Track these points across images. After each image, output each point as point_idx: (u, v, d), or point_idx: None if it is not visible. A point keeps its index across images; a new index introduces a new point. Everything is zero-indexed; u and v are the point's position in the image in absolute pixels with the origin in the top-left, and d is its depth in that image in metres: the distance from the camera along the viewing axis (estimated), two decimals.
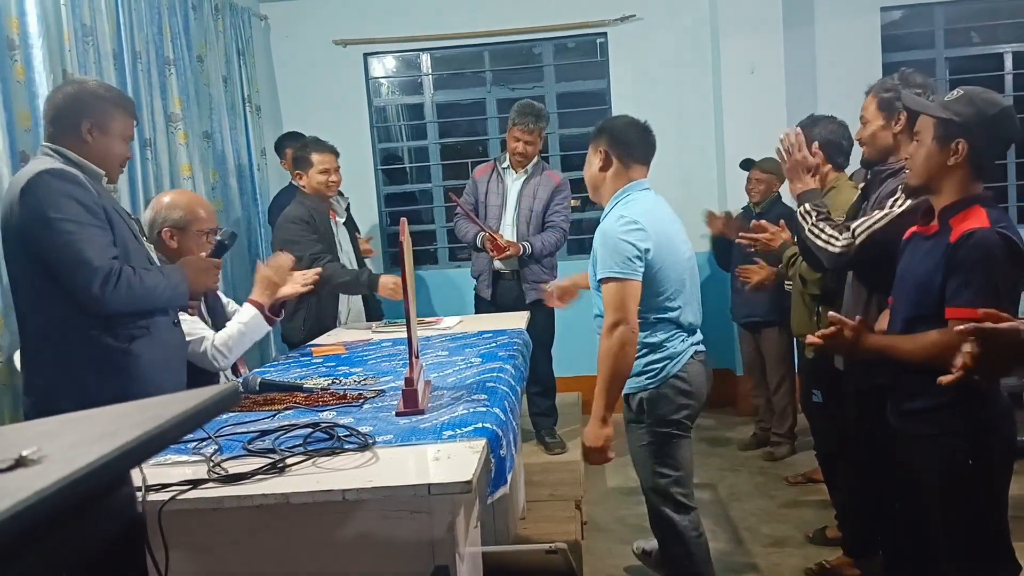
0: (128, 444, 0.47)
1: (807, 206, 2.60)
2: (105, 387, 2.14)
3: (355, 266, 3.90)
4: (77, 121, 2.21)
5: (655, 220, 2.55)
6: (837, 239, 2.48)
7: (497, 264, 4.19)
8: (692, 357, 2.59)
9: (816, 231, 2.54)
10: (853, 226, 2.47)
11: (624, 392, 2.55)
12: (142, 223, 2.75)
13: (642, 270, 2.45)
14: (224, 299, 3.09)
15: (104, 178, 2.30)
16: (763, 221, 3.24)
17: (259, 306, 2.84)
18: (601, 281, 2.48)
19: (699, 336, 2.67)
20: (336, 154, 3.77)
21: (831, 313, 2.19)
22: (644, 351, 2.53)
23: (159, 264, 2.45)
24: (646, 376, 2.55)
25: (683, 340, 2.58)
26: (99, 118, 2.24)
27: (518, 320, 3.44)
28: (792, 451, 4.48)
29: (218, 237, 2.66)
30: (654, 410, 2.56)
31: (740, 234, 3.28)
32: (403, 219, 2.20)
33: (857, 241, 2.44)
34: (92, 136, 2.23)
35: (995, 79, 5.24)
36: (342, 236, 3.90)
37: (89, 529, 0.51)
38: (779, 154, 2.78)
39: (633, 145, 2.63)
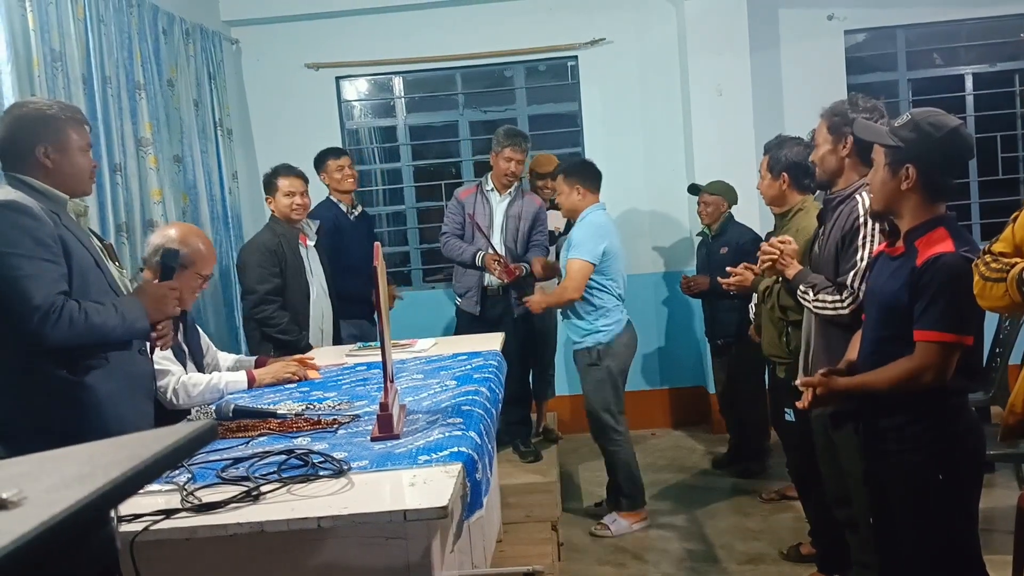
0: (107, 485, 0.47)
1: (802, 287, 2.61)
2: (61, 419, 2.09)
3: (325, 289, 4.03)
4: (30, 148, 2.14)
5: (608, 230, 3.84)
6: (841, 302, 2.49)
7: (487, 280, 4.37)
8: (627, 323, 3.91)
9: (820, 305, 2.55)
10: (849, 282, 2.49)
11: (585, 346, 3.84)
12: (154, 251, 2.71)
13: (599, 259, 3.74)
14: (200, 331, 3.08)
15: (68, 202, 2.22)
16: (739, 268, 3.25)
17: (251, 381, 2.84)
18: (570, 259, 3.77)
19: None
20: (304, 179, 3.97)
21: (801, 380, 2.24)
22: (598, 316, 3.80)
23: (127, 291, 2.37)
24: (602, 334, 3.81)
25: (622, 311, 3.89)
26: (53, 139, 2.16)
27: (493, 342, 3.44)
28: (766, 467, 4.51)
29: (158, 259, 2.51)
30: (607, 357, 3.80)
31: (721, 280, 3.36)
32: (377, 243, 2.21)
33: (860, 295, 2.44)
34: (51, 159, 2.16)
35: (956, 100, 5.36)
36: (312, 259, 4.00)
37: (70, 571, 0.51)
38: (763, 264, 2.79)
39: (593, 179, 3.90)
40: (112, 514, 1.25)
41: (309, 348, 3.70)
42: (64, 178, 2.20)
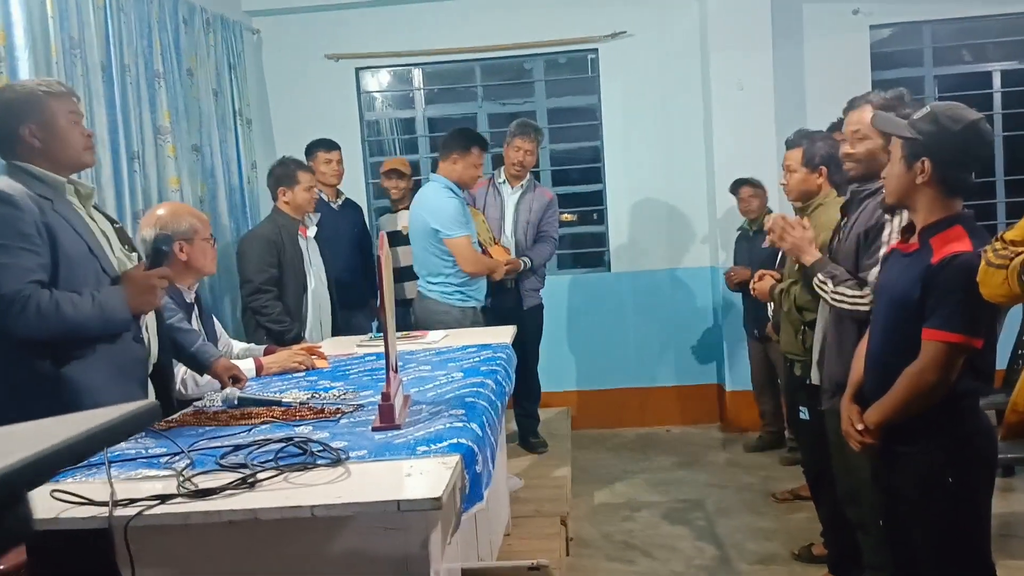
0: (14, 465, 0.46)
1: (820, 276, 2.57)
2: (40, 411, 2.03)
3: (323, 281, 4.07)
4: (15, 129, 2.10)
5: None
6: (861, 298, 2.46)
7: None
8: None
9: (839, 297, 2.51)
10: (870, 279, 2.45)
11: None
12: (143, 241, 2.72)
13: None
14: (214, 317, 3.10)
15: (66, 184, 2.17)
16: (756, 275, 3.28)
17: (259, 369, 2.84)
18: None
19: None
20: (313, 172, 4.13)
21: (850, 437, 2.22)
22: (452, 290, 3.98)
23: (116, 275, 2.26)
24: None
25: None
26: (36, 117, 2.11)
27: (503, 334, 3.43)
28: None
29: (154, 244, 2.47)
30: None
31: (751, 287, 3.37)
32: (382, 233, 2.20)
33: None
34: (39, 138, 2.11)
35: (984, 97, 5.26)
36: (312, 251, 4.02)
37: None
38: (773, 242, 2.78)
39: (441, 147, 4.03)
40: (109, 493, 1.23)
41: (301, 339, 3.64)
42: (57, 155, 2.14)
